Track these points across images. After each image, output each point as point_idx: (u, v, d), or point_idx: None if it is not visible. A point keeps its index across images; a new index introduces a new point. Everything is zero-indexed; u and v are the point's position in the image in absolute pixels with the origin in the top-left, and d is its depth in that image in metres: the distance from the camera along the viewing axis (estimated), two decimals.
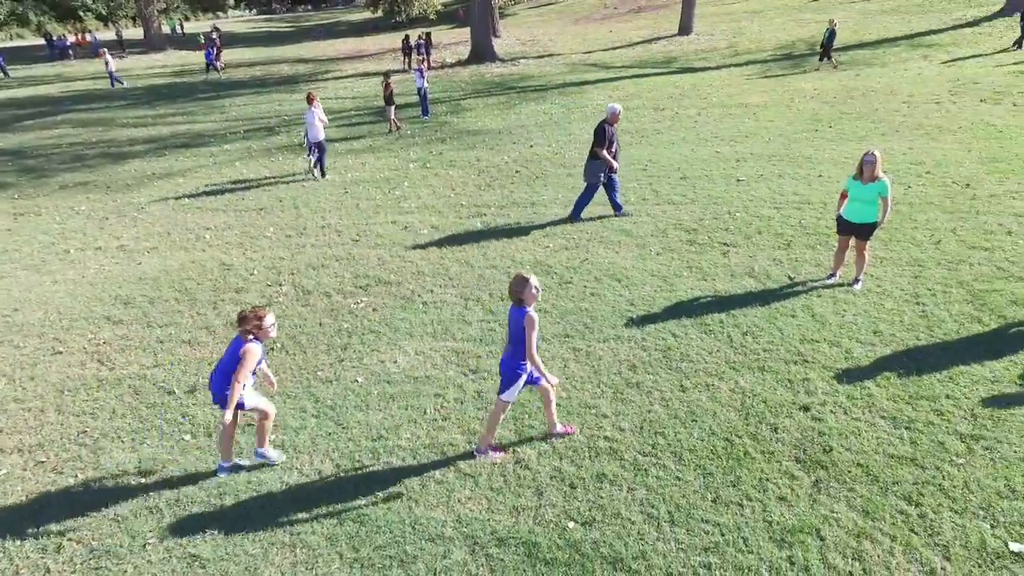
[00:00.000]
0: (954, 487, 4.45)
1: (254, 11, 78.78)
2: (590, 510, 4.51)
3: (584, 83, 21.74)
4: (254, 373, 4.66)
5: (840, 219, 7.17)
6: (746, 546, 4.17)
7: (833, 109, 15.50)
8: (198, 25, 60.51)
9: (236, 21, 69.44)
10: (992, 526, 4.14)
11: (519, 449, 5.12)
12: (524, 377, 4.72)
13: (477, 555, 4.22)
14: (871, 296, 7.07)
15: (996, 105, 14.49)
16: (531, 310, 4.50)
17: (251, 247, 9.56)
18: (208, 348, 6.90)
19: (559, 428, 5.22)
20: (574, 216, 9.84)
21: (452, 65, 28.39)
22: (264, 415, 4.91)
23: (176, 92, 25.81)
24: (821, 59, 20.59)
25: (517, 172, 12.53)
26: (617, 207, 9.84)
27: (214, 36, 37.31)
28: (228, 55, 36.80)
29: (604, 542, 4.26)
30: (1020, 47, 19.84)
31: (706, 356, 6.15)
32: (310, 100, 12.42)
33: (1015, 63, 18.53)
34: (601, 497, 4.62)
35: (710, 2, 39.17)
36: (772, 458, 4.83)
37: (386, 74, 17.20)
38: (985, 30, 22.94)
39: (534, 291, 4.47)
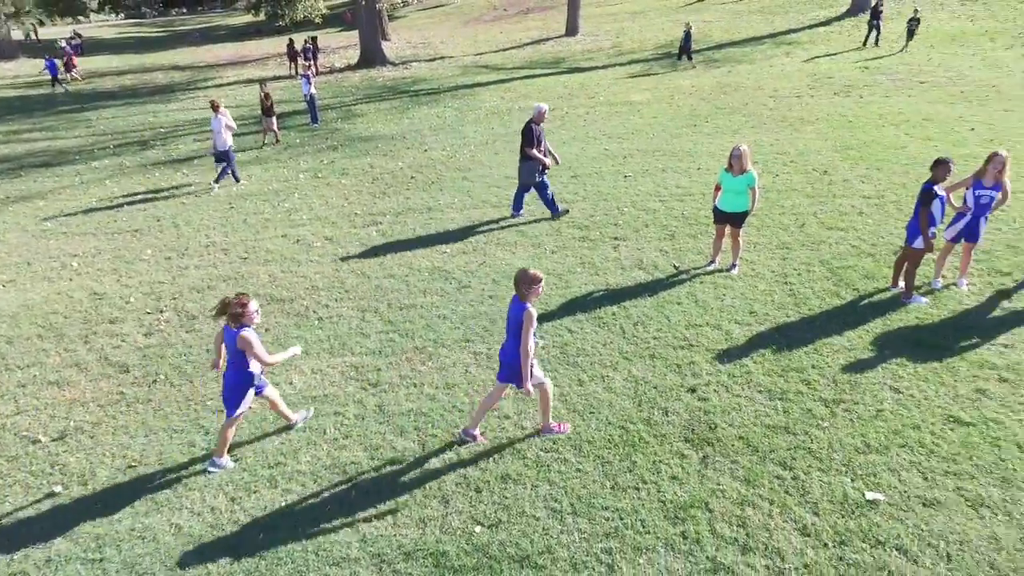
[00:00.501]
0: (820, 449, 4.90)
1: (121, 15, 73.25)
2: (496, 512, 4.60)
3: (477, 85, 21.91)
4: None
5: (716, 209, 7.67)
6: (643, 527, 4.40)
7: (709, 105, 16.49)
8: (57, 31, 55.53)
9: (101, 26, 64.30)
10: (852, 479, 4.60)
11: (422, 458, 5.13)
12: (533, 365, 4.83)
13: (384, 573, 4.20)
14: (746, 279, 7.61)
15: (847, 98, 15.95)
16: (531, 306, 4.64)
17: (126, 272, 8.95)
18: (80, 387, 6.39)
19: (552, 425, 5.26)
20: (556, 212, 9.86)
21: (341, 70, 27.76)
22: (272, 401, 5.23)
23: (32, 105, 23.62)
24: (679, 58, 22.11)
25: (412, 178, 12.46)
26: (554, 208, 9.85)
27: (70, 43, 34.43)
28: (93, 63, 34.08)
29: (510, 542, 4.36)
30: (867, 45, 21.91)
31: (600, 348, 6.40)
32: (215, 107, 11.95)
33: (867, 60, 20.45)
34: (506, 497, 4.71)
35: (594, 3, 40.49)
36: (664, 440, 5.12)
37: (262, 83, 16.54)
38: (835, 29, 25.17)
39: (538, 289, 4.63)
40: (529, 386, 4.81)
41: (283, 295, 7.97)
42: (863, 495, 4.46)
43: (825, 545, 4.17)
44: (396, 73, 25.97)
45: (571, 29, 31.34)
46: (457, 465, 5.05)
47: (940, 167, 6.39)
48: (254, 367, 4.88)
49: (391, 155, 14.15)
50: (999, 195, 6.68)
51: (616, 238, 9.04)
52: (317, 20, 40.54)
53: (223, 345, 4.95)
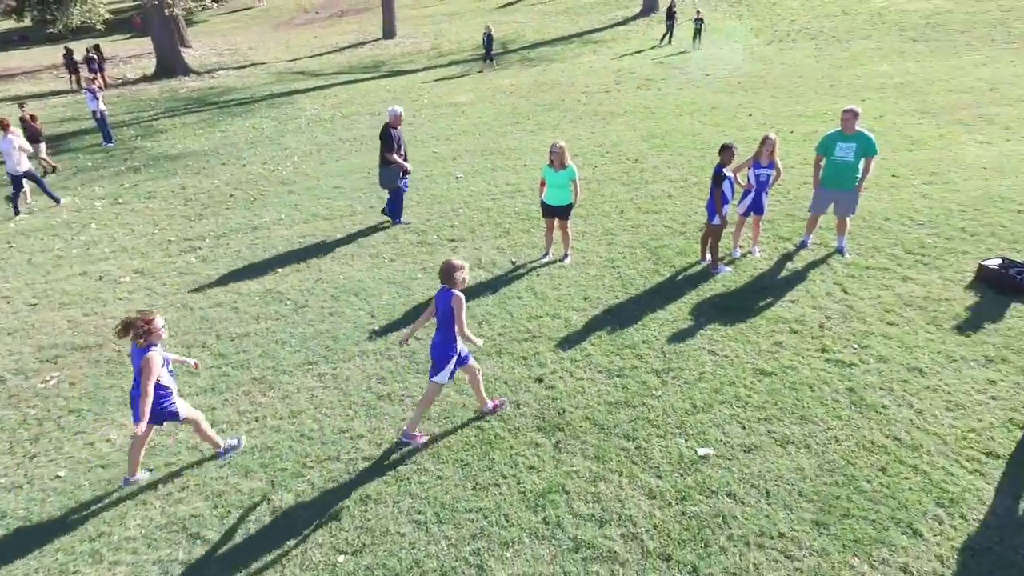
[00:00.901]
0: (656, 416, 5.36)
1: None
2: (359, 536, 4.47)
3: (294, 92, 20.92)
4: (173, 375, 4.76)
5: (543, 204, 8.04)
6: (507, 521, 4.52)
7: (529, 103, 17.19)
8: None
9: None
10: (685, 440, 5.09)
11: (273, 496, 4.84)
12: (455, 359, 5.00)
13: None
14: (579, 267, 8.07)
15: (648, 91, 17.45)
16: (458, 291, 4.82)
17: None
18: None
19: (489, 405, 5.48)
20: (397, 220, 9.71)
21: (136, 81, 25.09)
22: (196, 424, 4.96)
23: None
24: (485, 60, 22.42)
25: (231, 196, 11.63)
26: (398, 215, 9.74)
27: None
28: None
29: (377, 564, 4.27)
30: (669, 42, 23.96)
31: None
32: (4, 126, 10.70)
33: (663, 56, 22.46)
34: (368, 519, 4.60)
35: (409, 5, 40.37)
36: (518, 433, 5.29)
37: (21, 103, 14.45)
38: (632, 28, 27.40)
39: (463, 276, 4.85)
40: (477, 340, 5.01)
41: (88, 342, 7.07)
42: (696, 452, 4.95)
43: (669, 504, 4.57)
44: (202, 83, 24.02)
45: (388, 32, 31.01)
46: (312, 495, 4.83)
47: (726, 152, 7.23)
48: (167, 381, 4.73)
49: (205, 173, 13.08)
50: (774, 172, 7.70)
51: (453, 240, 9.14)
52: (99, 26, 36.31)
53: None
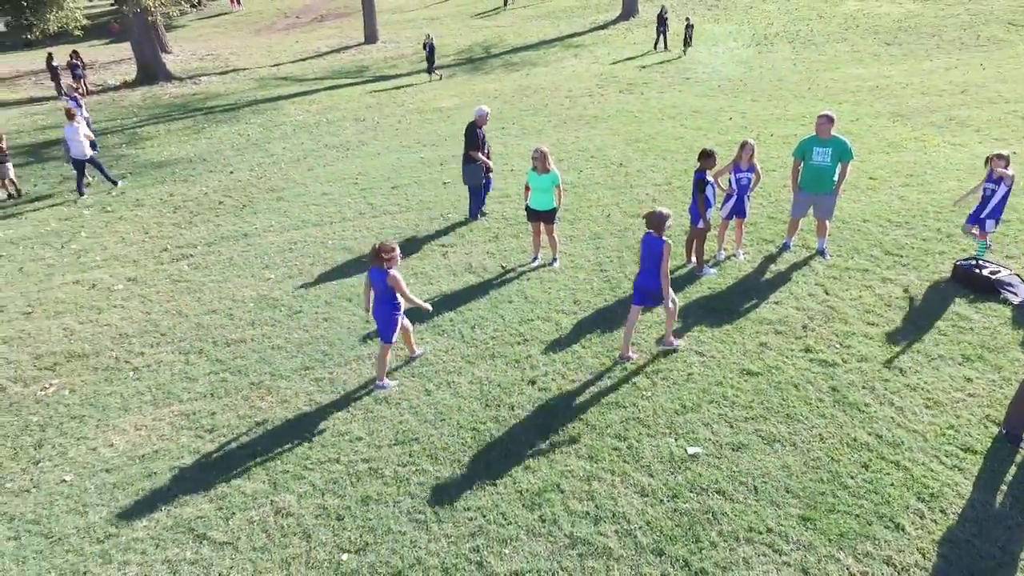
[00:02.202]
0: (647, 416, 5.53)
1: None
2: (361, 536, 4.59)
3: (278, 98, 20.91)
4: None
5: (528, 208, 8.20)
6: (505, 520, 4.66)
7: (514, 107, 17.36)
8: None
9: None
10: (675, 439, 5.27)
11: (276, 498, 4.94)
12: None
13: None
14: (568, 271, 8.24)
15: (631, 95, 17.71)
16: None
17: None
18: None
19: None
20: (475, 216, 10.05)
21: (117, 88, 24.88)
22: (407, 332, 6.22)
23: None
24: (428, 71, 21.72)
25: (220, 203, 11.65)
26: (477, 212, 10.07)
27: None
28: None
29: (380, 562, 4.39)
30: (665, 48, 23.41)
31: (443, 356, 6.58)
32: (69, 115, 11.93)
33: (647, 60, 22.76)
34: (370, 519, 4.71)
35: (390, 9, 40.42)
36: (512, 434, 5.43)
37: None
38: (612, 32, 27.70)
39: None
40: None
41: (85, 350, 7.10)
42: (686, 451, 5.13)
43: (661, 501, 4.74)
44: (184, 89, 23.90)
45: (370, 36, 31.04)
46: (314, 497, 4.93)
47: (707, 158, 7.44)
48: (401, 302, 5.75)
49: (192, 180, 13.07)
50: (754, 176, 7.93)
51: (444, 245, 9.26)
52: (76, 32, 35.98)
53: (371, 287, 5.79)
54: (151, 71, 25.35)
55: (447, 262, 8.72)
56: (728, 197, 8.07)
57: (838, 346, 6.32)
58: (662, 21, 23.34)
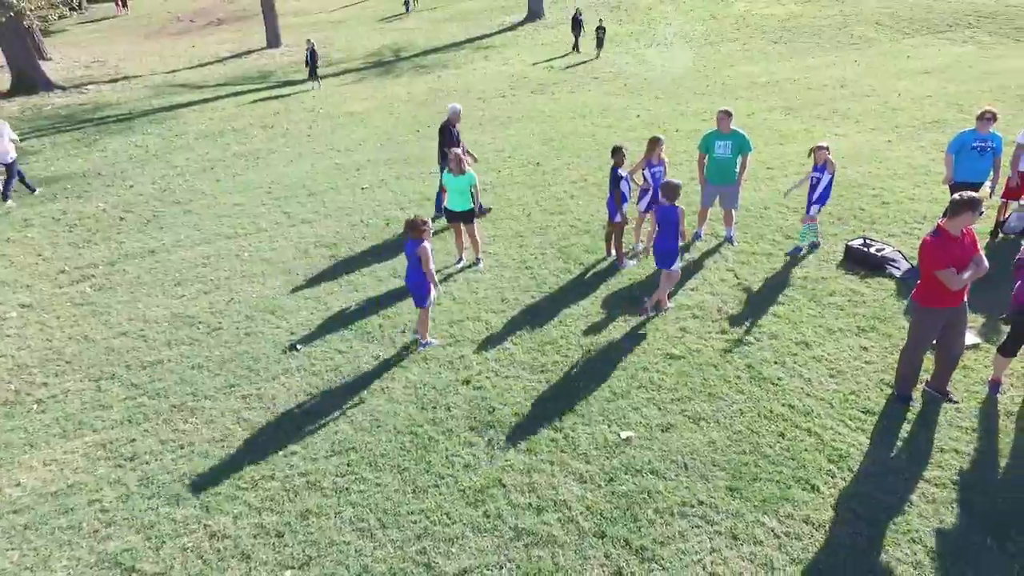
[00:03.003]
0: (580, 405, 5.73)
1: None
2: (304, 550, 4.50)
3: (177, 107, 19.88)
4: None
5: (446, 210, 8.25)
6: (449, 519, 4.70)
7: (427, 110, 17.31)
8: None
9: None
10: (609, 425, 5.48)
11: (209, 521, 4.76)
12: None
13: None
14: (493, 270, 8.35)
15: (542, 95, 18.07)
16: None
17: None
18: None
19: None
20: (439, 211, 9.80)
21: None
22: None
23: None
24: (311, 78, 20.88)
25: (122, 219, 10.98)
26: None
27: None
28: None
29: (326, 574, 4.33)
30: (577, 51, 23.34)
31: (374, 362, 6.53)
32: None
33: (556, 61, 23.23)
34: (311, 533, 4.63)
35: (292, 12, 39.23)
36: (452, 435, 5.48)
37: None
38: (520, 34, 28.13)
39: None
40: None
41: None
42: (619, 435, 5.35)
43: (599, 486, 4.93)
44: (69, 99, 22.26)
45: (272, 41, 30.03)
46: (250, 517, 4.79)
47: (617, 154, 7.74)
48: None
49: (87, 196, 12.23)
50: (663, 170, 8.33)
51: (366, 252, 9.15)
52: None
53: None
54: (29, 80, 23.41)
55: (371, 268, 8.62)
56: (644, 191, 8.43)
57: (750, 326, 6.76)
58: (577, 23, 23.53)
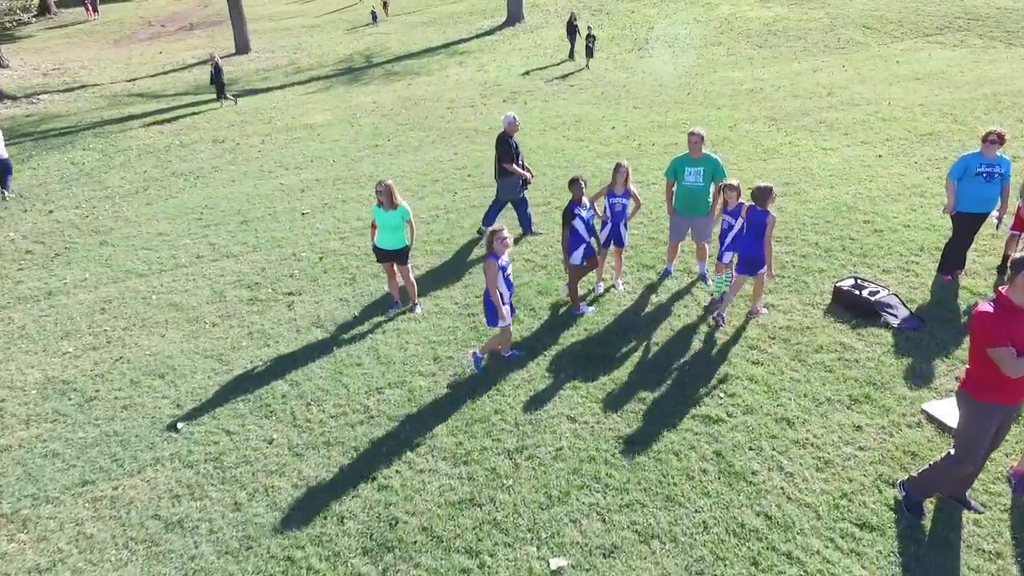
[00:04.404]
0: (506, 517, 4.58)
1: None
2: None
3: (129, 118, 18.68)
4: (509, 283, 5.97)
5: (375, 248, 7.12)
6: None
7: (391, 122, 16.17)
8: None
9: None
10: (537, 547, 4.34)
11: None
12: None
13: None
14: (431, 317, 7.21)
15: (513, 104, 16.95)
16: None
17: None
18: None
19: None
20: (530, 230, 9.11)
21: None
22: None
23: None
24: (219, 98, 19.12)
25: (29, 252, 9.79)
26: (529, 225, 9.12)
27: None
28: None
29: None
30: (572, 59, 21.46)
31: (266, 449, 5.37)
32: None
33: (533, 68, 22.13)
34: None
35: (266, 17, 38.04)
36: (337, 561, 4.33)
37: None
38: (499, 38, 27.01)
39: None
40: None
41: None
42: (548, 565, 4.21)
43: None
44: (17, 110, 21.02)
45: (241, 47, 28.82)
46: None
47: (574, 186, 6.65)
48: (502, 287, 5.85)
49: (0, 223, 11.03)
50: (631, 202, 7.22)
51: (291, 293, 8.00)
52: None
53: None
54: None
55: (292, 315, 7.47)
56: (603, 224, 7.32)
57: (722, 395, 5.65)
58: (572, 29, 21.60)
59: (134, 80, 25.36)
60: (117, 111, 19.85)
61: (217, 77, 18.95)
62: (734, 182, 6.62)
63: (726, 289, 6.94)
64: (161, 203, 11.59)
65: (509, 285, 5.96)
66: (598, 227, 7.43)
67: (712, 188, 7.25)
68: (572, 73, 20.29)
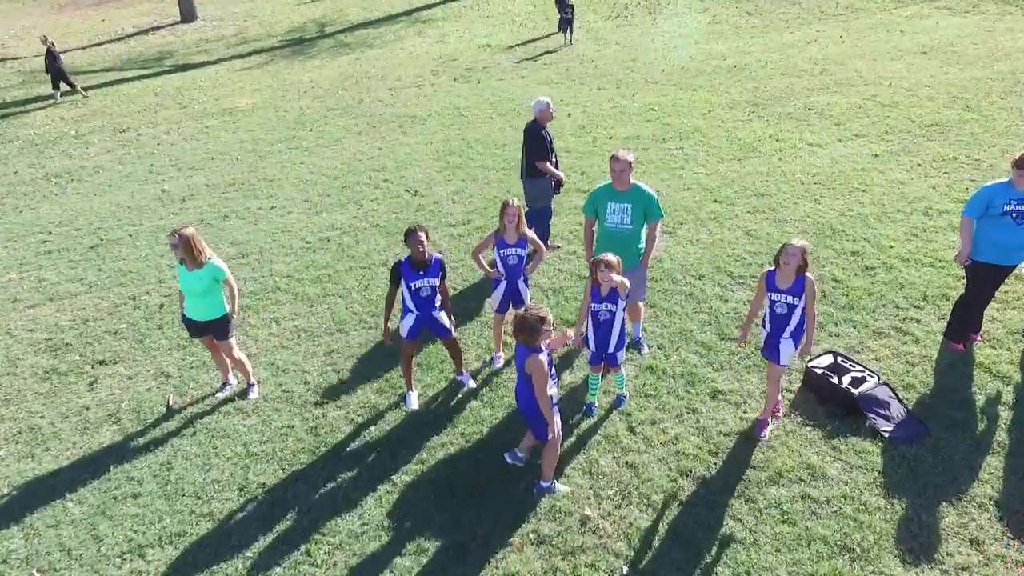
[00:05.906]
0: None
1: None
2: None
3: (33, 100, 16.60)
4: (555, 380, 4.12)
5: (185, 319, 5.23)
6: None
7: (322, 105, 14.08)
8: None
9: None
10: None
11: None
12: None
13: None
14: (264, 409, 5.38)
15: (465, 84, 14.80)
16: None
17: None
18: None
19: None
20: (546, 244, 7.12)
21: None
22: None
23: None
24: (55, 88, 15.98)
25: None
26: (545, 238, 7.14)
27: None
28: None
29: None
30: (567, 41, 17.48)
31: None
32: None
33: (496, 39, 19.81)
34: None
35: None
36: None
37: None
38: (466, 3, 24.51)
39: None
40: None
41: None
42: None
43: None
44: None
45: (186, 14, 26.36)
46: None
47: (410, 239, 4.75)
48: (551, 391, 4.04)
49: None
50: (529, 250, 5.32)
51: (103, 361, 6.15)
52: None
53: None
54: None
55: (87, 400, 5.64)
56: (496, 282, 5.43)
57: (626, 569, 3.84)
58: (564, 7, 17.31)
59: (64, 52, 22.98)
60: (25, 91, 17.72)
61: (52, 65, 15.80)
62: (610, 257, 4.43)
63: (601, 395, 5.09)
64: (11, 216, 9.65)
65: (553, 377, 4.09)
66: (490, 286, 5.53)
67: (644, 231, 5.33)
68: (531, 43, 17.99)
